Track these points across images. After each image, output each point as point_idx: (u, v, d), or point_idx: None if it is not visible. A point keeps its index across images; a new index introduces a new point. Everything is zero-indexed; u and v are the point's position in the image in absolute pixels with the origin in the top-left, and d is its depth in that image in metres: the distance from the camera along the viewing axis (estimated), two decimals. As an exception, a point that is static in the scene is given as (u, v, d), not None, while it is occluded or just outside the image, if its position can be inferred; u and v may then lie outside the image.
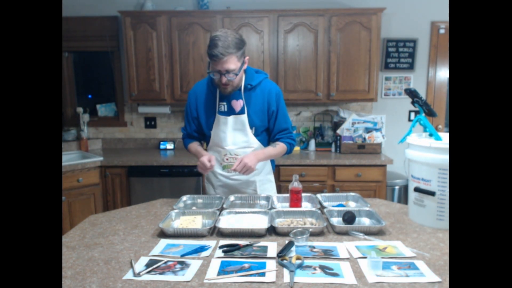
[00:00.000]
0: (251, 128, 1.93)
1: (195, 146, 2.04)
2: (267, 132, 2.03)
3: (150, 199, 2.13)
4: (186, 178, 3.22)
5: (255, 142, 1.96)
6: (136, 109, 3.84)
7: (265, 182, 2.08)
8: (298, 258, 1.27)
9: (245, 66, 1.86)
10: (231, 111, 1.92)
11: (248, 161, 1.79)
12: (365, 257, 1.29)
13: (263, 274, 1.20)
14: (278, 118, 1.97)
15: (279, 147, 1.97)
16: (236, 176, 1.99)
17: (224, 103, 1.92)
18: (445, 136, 1.65)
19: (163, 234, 1.53)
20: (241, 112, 1.91)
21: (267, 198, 1.91)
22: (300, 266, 1.24)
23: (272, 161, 2.16)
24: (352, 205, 1.83)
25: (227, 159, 1.96)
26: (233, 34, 1.76)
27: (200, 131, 2.05)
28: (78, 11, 3.68)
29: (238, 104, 1.91)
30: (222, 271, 1.23)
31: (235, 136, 1.93)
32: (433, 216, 1.56)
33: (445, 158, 1.46)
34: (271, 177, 2.13)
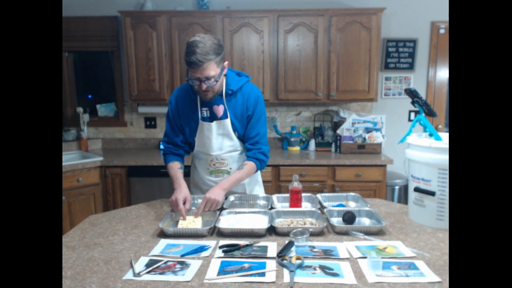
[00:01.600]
0: (234, 132, 1.89)
1: (175, 169, 1.91)
2: None
3: (150, 199, 2.13)
4: (186, 178, 3.21)
5: (240, 146, 1.94)
6: (136, 109, 3.84)
7: (253, 184, 2.06)
8: (298, 258, 1.27)
9: (225, 71, 1.79)
10: (213, 117, 1.87)
11: (211, 195, 1.72)
12: (365, 257, 1.29)
13: (263, 274, 1.20)
14: (250, 123, 1.89)
15: (246, 167, 1.87)
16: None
17: (206, 109, 1.87)
18: (445, 136, 1.65)
19: (163, 234, 1.53)
20: (224, 117, 1.86)
21: (267, 198, 1.91)
22: (300, 266, 1.24)
23: None
24: (352, 205, 1.83)
25: (214, 164, 1.94)
26: (211, 39, 1.67)
27: (185, 140, 1.99)
28: (78, 11, 3.68)
29: (219, 109, 1.86)
30: (222, 271, 1.23)
31: (221, 141, 1.89)
32: (433, 216, 1.56)
33: (445, 158, 1.46)
34: (259, 178, 2.12)
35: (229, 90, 1.84)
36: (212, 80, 1.69)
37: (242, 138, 1.93)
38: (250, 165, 1.88)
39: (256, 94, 1.90)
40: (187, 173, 2.06)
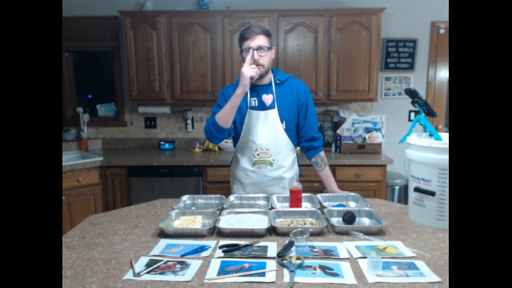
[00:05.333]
0: (281, 122, 1.99)
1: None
2: (296, 128, 2.08)
3: (150, 199, 2.13)
4: (186, 178, 3.22)
5: (284, 138, 2.00)
6: (136, 109, 3.84)
7: (292, 181, 2.11)
8: (298, 258, 1.27)
9: (272, 55, 1.96)
10: (262, 106, 1.99)
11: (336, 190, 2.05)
12: (365, 257, 1.29)
13: (263, 274, 1.20)
14: (308, 113, 2.05)
15: (328, 168, 2.15)
16: (268, 173, 2.02)
17: (255, 98, 1.99)
18: (445, 136, 1.65)
19: (163, 234, 1.53)
20: (272, 106, 1.98)
21: (267, 198, 1.91)
22: (300, 266, 1.23)
23: (298, 161, 2.20)
24: (352, 205, 1.83)
25: (258, 155, 2.00)
26: (261, 26, 1.96)
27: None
28: (78, 11, 3.68)
29: (268, 98, 1.99)
30: (222, 271, 1.23)
31: (266, 130, 1.98)
32: (433, 216, 1.56)
33: (445, 158, 1.46)
34: (297, 177, 2.18)
35: (277, 80, 2.01)
36: (264, 48, 1.87)
37: (289, 129, 2.02)
38: (327, 165, 2.14)
39: (304, 85, 2.07)
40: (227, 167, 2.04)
